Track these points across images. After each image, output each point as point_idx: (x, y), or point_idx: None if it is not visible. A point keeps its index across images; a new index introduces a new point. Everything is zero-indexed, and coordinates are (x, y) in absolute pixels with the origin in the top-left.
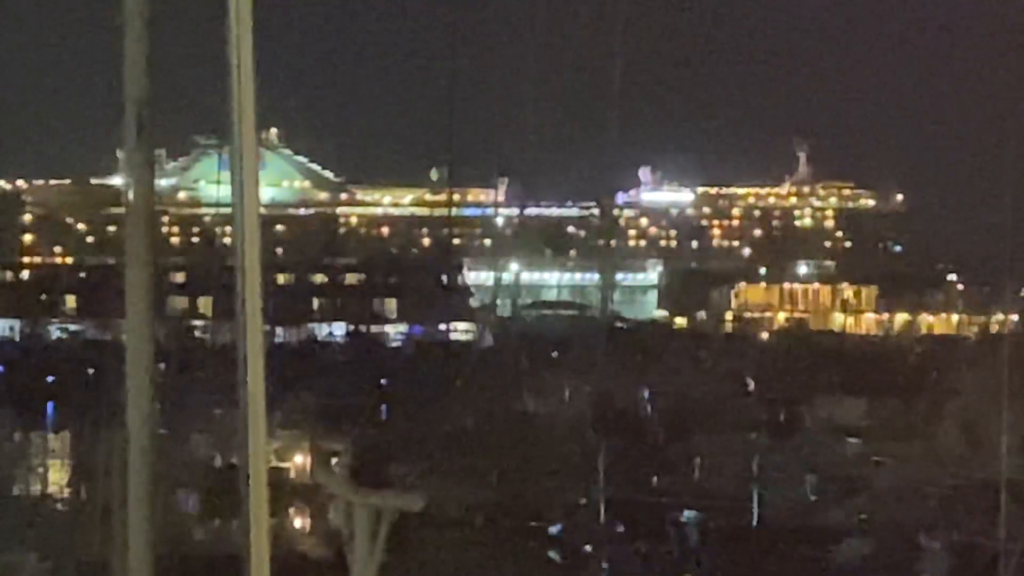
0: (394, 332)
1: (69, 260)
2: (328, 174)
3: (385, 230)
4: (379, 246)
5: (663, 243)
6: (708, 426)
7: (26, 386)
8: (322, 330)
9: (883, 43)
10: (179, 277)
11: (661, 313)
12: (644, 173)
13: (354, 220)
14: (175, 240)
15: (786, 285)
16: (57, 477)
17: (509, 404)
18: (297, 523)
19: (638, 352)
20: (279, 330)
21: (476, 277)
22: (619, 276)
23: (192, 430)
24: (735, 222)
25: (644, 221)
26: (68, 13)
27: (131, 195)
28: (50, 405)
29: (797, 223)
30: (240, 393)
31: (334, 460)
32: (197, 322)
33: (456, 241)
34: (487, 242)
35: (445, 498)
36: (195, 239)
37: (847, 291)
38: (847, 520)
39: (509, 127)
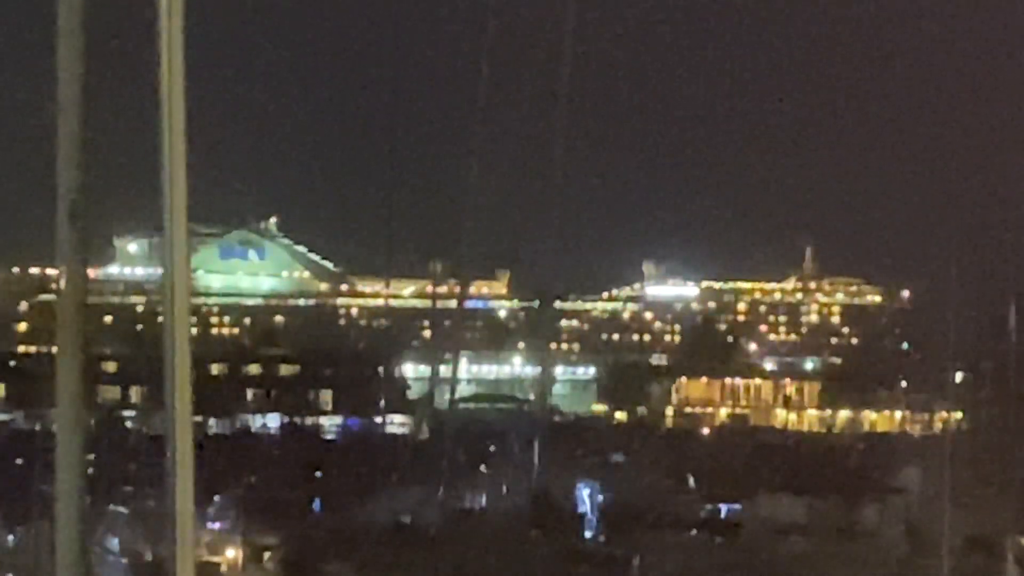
0: (329, 424)
1: None
2: (328, 264)
3: (384, 322)
4: (382, 337)
5: (668, 337)
6: (648, 522)
7: None
8: (256, 421)
9: (893, 136)
10: (111, 366)
11: (601, 407)
12: (648, 267)
13: (354, 311)
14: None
15: (727, 380)
16: None
17: (446, 499)
18: None
19: (577, 446)
20: (212, 421)
21: (413, 369)
22: (559, 370)
23: (122, 522)
24: (740, 317)
25: (648, 315)
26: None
27: (63, 283)
28: None
29: (803, 319)
30: (168, 481)
31: (266, 555)
32: (128, 412)
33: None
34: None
35: None
36: (193, 330)
37: (789, 387)
38: None
39: (513, 219)
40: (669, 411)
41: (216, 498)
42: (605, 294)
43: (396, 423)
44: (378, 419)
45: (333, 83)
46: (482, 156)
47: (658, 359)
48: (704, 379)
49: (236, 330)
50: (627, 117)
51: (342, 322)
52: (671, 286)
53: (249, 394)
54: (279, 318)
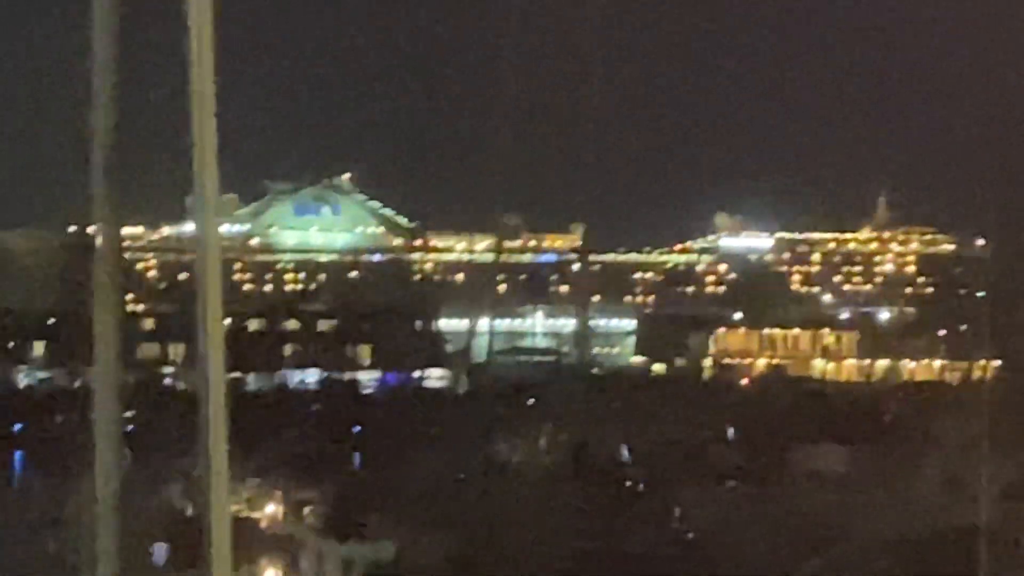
0: (368, 379)
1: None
2: (402, 219)
3: (460, 276)
4: (454, 293)
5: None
6: (687, 474)
7: None
8: (295, 377)
9: (966, 83)
10: (149, 323)
11: (639, 360)
12: (721, 218)
13: (428, 266)
14: (248, 287)
15: (766, 331)
16: (23, 526)
17: (484, 452)
18: (268, 574)
19: (615, 399)
20: (250, 377)
21: (451, 323)
22: (596, 322)
23: (164, 478)
24: (815, 268)
25: (723, 267)
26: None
27: (99, 241)
28: (17, 454)
29: (878, 269)
30: (202, 441)
31: (306, 510)
32: (168, 368)
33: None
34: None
35: (418, 548)
36: (267, 286)
37: (828, 337)
38: (827, 571)
39: (585, 172)
40: (707, 362)
41: (256, 454)
42: (679, 246)
43: (435, 377)
44: (416, 373)
45: (405, 36)
46: (555, 110)
47: (695, 310)
48: (742, 330)
49: (311, 286)
50: (702, 68)
51: (417, 277)
52: (745, 237)
53: (287, 350)
54: (354, 274)
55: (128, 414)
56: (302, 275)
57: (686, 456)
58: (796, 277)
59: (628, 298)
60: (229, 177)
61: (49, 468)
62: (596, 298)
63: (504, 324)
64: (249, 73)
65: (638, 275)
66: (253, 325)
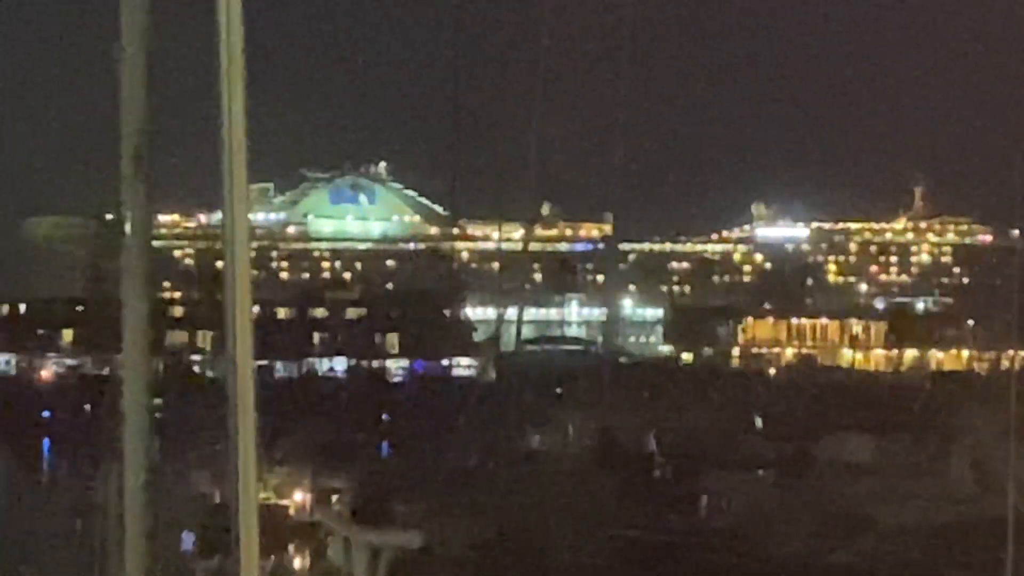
0: (395, 367)
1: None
2: (438, 208)
3: (495, 265)
4: (489, 281)
5: (776, 278)
6: (715, 463)
7: (22, 422)
8: (323, 365)
9: (1006, 74)
10: (179, 310)
11: (667, 348)
12: (757, 208)
13: (465, 255)
14: (284, 275)
15: (794, 320)
16: (52, 515)
17: (513, 441)
18: (296, 562)
19: (643, 388)
20: (279, 364)
21: (480, 312)
22: (626, 311)
23: (192, 466)
24: (851, 258)
25: (759, 257)
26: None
27: (129, 228)
28: (46, 442)
29: (914, 259)
30: (230, 427)
31: (334, 497)
32: (196, 356)
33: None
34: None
35: (446, 536)
36: (304, 274)
37: (856, 326)
38: (856, 560)
39: (621, 161)
40: (735, 352)
41: (284, 441)
42: (715, 236)
43: (463, 365)
44: (445, 362)
45: (440, 24)
46: (590, 97)
47: (724, 300)
48: (770, 320)
49: (347, 275)
50: (739, 55)
51: (453, 265)
52: (781, 227)
53: (316, 338)
54: (390, 262)
55: (157, 401)
56: (338, 263)
57: (714, 445)
58: (831, 267)
59: (663, 287)
60: (265, 165)
61: (77, 456)
62: (631, 287)
63: (537, 313)
64: (286, 61)
65: (673, 264)
66: (281, 313)
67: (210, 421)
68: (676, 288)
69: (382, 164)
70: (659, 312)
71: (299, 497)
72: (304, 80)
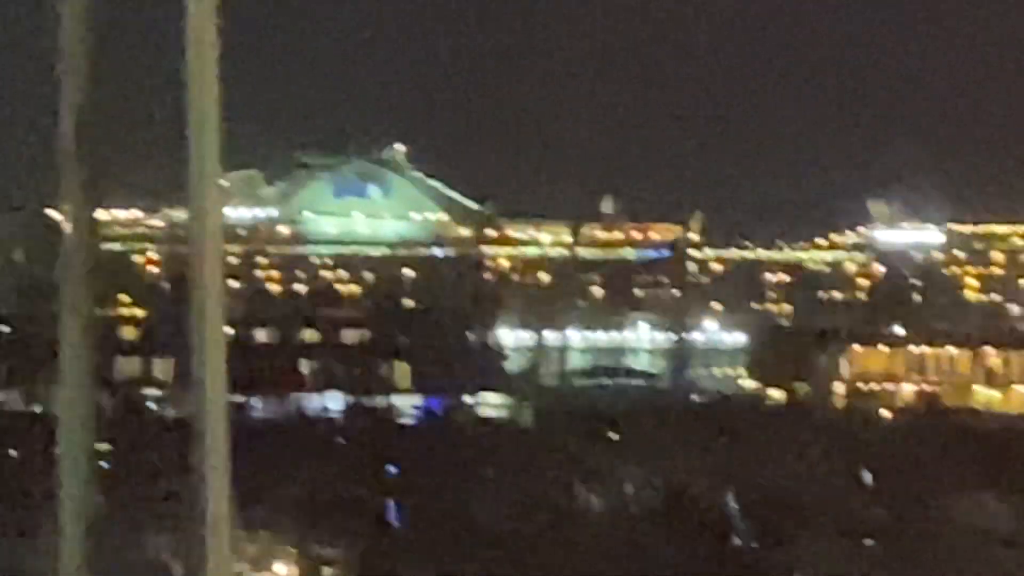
0: (405, 405)
1: None
2: (471, 204)
3: (543, 276)
4: (538, 296)
5: (902, 295)
6: (811, 530)
7: None
8: (313, 402)
9: None
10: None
11: (751, 384)
12: (876, 206)
13: (504, 263)
14: (274, 288)
15: (913, 349)
16: None
17: (555, 499)
18: None
19: (721, 433)
20: (257, 401)
21: (516, 335)
22: (698, 337)
23: (145, 529)
24: (996, 269)
25: (879, 267)
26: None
27: (68, 226)
28: None
29: None
30: (196, 480)
31: (326, 571)
32: (152, 391)
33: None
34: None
35: None
36: (299, 285)
37: (992, 358)
38: None
39: (704, 146)
40: (838, 388)
41: (265, 499)
42: (823, 241)
43: (491, 404)
44: (468, 398)
45: None
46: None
47: (830, 321)
48: (882, 347)
49: (355, 287)
50: (856, 27)
51: (487, 276)
52: (906, 230)
53: (304, 367)
54: (408, 272)
55: (101, 446)
56: (342, 272)
57: (810, 506)
58: (970, 280)
59: (756, 305)
60: (251, 147)
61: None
62: (715, 305)
63: (594, 338)
64: (282, 21)
65: (769, 276)
66: (261, 335)
67: (170, 472)
68: (773, 307)
69: (398, 146)
70: (741, 338)
71: (283, 570)
72: (305, 44)
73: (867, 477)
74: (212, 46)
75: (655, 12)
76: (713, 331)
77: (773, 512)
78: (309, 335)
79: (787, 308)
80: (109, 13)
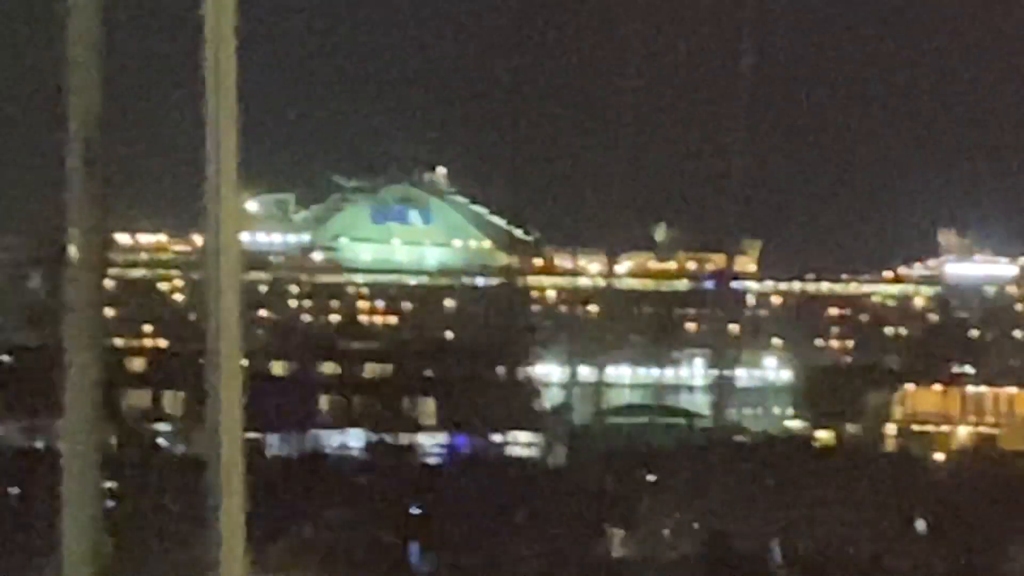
0: (430, 443)
1: None
2: (517, 231)
3: (593, 308)
4: (584, 328)
5: (974, 333)
6: None
7: None
8: (332, 439)
9: None
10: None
11: (797, 424)
12: (946, 237)
13: (551, 294)
14: (305, 318)
15: (970, 388)
16: None
17: (587, 546)
18: None
19: (765, 476)
20: (273, 438)
21: (544, 371)
22: (740, 373)
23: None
24: None
25: (952, 302)
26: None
27: (74, 250)
28: None
29: None
30: (209, 522)
31: None
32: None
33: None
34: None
35: None
36: (336, 317)
37: None
38: None
39: (764, 172)
40: (890, 430)
41: (282, 541)
42: (889, 273)
43: (521, 443)
44: (497, 437)
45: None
46: (724, 92)
47: (878, 360)
48: (938, 386)
49: (393, 318)
50: (928, 45)
51: (534, 306)
52: (979, 263)
53: (323, 402)
54: (450, 302)
55: (108, 485)
56: (379, 303)
57: (860, 557)
58: None
59: (819, 341)
60: (285, 169)
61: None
62: (774, 341)
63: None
64: (322, 41)
65: (833, 311)
66: (278, 368)
67: (180, 513)
68: (835, 343)
69: (440, 170)
70: (785, 375)
71: None
72: (346, 63)
73: (919, 525)
74: (230, 58)
75: (710, 28)
76: (761, 368)
77: (821, 563)
78: (330, 368)
79: (849, 344)
80: (121, 19)
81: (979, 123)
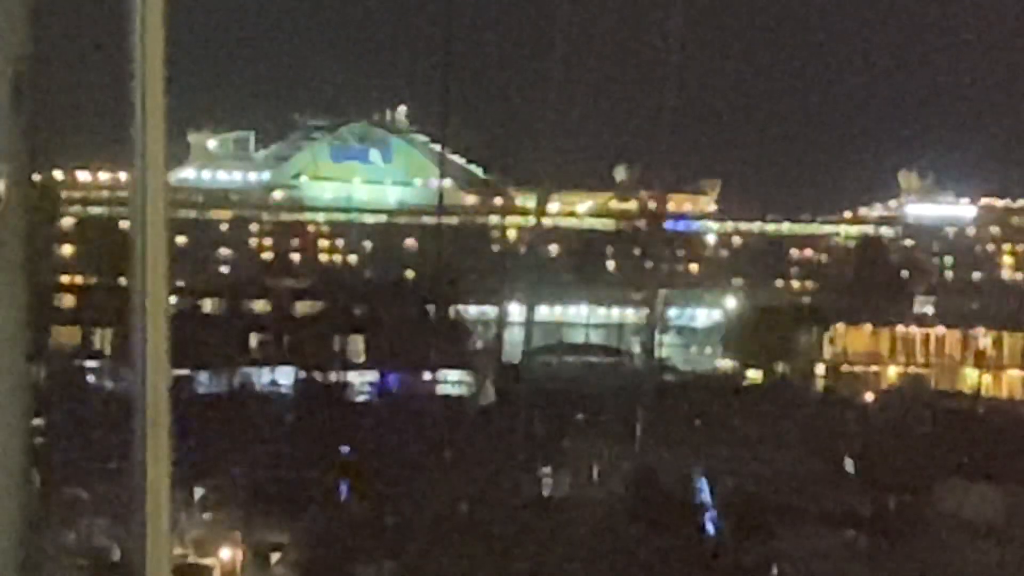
0: (361, 381)
1: None
2: (477, 170)
3: (554, 248)
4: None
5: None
6: (790, 520)
7: None
8: (262, 377)
9: None
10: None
11: (727, 364)
12: (907, 179)
13: (511, 233)
14: (266, 255)
15: (900, 328)
16: None
17: (517, 483)
18: None
19: (695, 416)
20: (203, 375)
21: (476, 309)
22: (670, 312)
23: (84, 511)
24: None
25: (908, 242)
26: None
27: (1, 186)
28: None
29: None
30: (135, 460)
31: (274, 556)
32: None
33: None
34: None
35: None
36: (295, 255)
37: (983, 338)
38: None
39: (726, 113)
40: (819, 369)
41: (209, 480)
42: (849, 214)
43: (451, 381)
44: (427, 375)
45: None
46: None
47: (807, 300)
48: (868, 327)
49: (353, 256)
50: (887, 3)
51: (495, 247)
52: (938, 204)
53: (253, 340)
54: (410, 241)
55: (36, 422)
56: (340, 242)
57: (788, 494)
58: (1006, 259)
59: (779, 282)
60: (243, 107)
61: None
62: (735, 280)
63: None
64: None
65: (794, 252)
66: (208, 305)
67: (108, 450)
68: (797, 283)
69: (401, 109)
70: (715, 314)
71: (227, 555)
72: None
73: (849, 464)
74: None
75: None
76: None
77: (748, 500)
78: (259, 306)
79: (809, 285)
80: None
81: (940, 66)
